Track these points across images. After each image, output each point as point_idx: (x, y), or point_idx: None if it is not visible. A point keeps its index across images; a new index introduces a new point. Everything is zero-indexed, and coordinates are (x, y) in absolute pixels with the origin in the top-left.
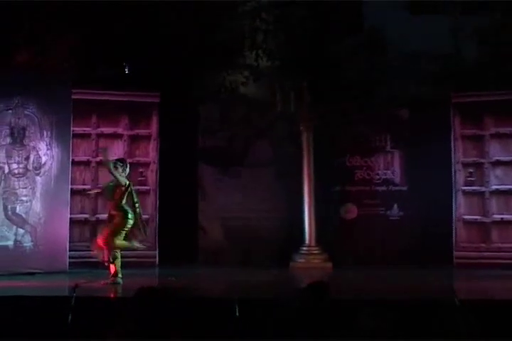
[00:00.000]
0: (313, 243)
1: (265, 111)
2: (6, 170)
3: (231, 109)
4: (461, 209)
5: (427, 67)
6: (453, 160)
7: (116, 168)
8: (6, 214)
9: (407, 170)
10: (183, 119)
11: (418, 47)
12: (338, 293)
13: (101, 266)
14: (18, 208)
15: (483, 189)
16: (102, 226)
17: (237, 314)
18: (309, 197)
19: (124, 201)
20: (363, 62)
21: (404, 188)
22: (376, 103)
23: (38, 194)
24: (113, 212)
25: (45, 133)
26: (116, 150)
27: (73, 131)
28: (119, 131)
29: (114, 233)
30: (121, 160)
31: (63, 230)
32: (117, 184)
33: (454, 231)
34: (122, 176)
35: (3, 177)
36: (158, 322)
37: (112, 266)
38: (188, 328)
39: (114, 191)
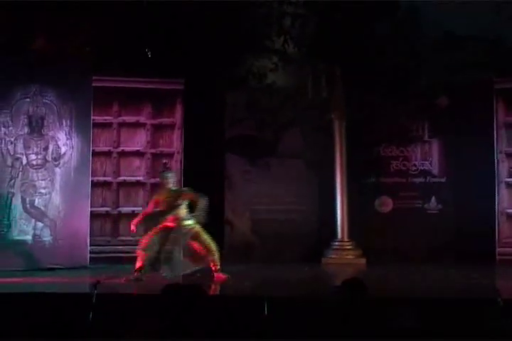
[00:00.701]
0: (345, 238)
1: (295, 98)
2: (24, 162)
3: (259, 97)
4: (505, 202)
5: (467, 52)
6: (496, 150)
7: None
8: (24, 207)
9: (446, 161)
10: (209, 107)
11: (458, 31)
12: (373, 292)
13: (123, 261)
14: (36, 201)
15: None
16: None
17: (266, 313)
18: (341, 189)
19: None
20: (400, 47)
21: (443, 180)
22: (414, 89)
23: (57, 186)
24: (184, 224)
25: (64, 122)
26: (139, 140)
27: (93, 120)
28: (142, 119)
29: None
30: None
31: (83, 224)
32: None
33: (496, 226)
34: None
35: (21, 169)
36: (183, 321)
37: (139, 262)
38: (214, 327)
39: (176, 200)
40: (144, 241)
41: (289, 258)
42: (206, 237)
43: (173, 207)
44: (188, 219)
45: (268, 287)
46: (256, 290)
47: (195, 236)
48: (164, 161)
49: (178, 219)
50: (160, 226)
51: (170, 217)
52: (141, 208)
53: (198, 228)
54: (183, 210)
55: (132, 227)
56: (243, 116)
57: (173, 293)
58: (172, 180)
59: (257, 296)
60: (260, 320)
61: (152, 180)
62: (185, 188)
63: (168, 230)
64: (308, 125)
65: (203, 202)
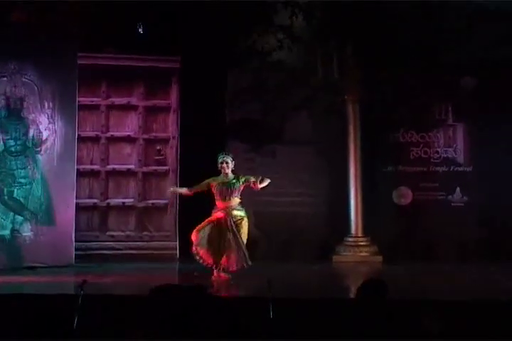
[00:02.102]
0: (360, 233)
1: (304, 79)
2: (1, 148)
3: (264, 77)
4: None
5: (497, 27)
6: None
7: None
8: (1, 199)
9: (472, 148)
10: (208, 88)
11: (487, 3)
12: (393, 293)
13: (112, 259)
14: (15, 192)
15: None
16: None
17: (272, 315)
18: (356, 179)
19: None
20: (422, 21)
21: (469, 169)
22: (437, 68)
23: (38, 175)
24: (235, 214)
25: (46, 104)
26: (130, 124)
27: (79, 101)
28: (133, 101)
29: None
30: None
31: (68, 217)
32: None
33: None
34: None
35: None
36: (182, 323)
37: (208, 259)
38: (216, 331)
39: (233, 187)
40: (195, 235)
41: (296, 255)
42: (244, 232)
43: (227, 194)
44: (239, 209)
45: (274, 287)
46: (260, 291)
47: (236, 227)
48: (158, 148)
49: (229, 209)
50: (211, 218)
51: (221, 205)
52: (132, 200)
53: (245, 221)
54: (236, 199)
55: (173, 189)
56: (246, 98)
57: (166, 294)
58: (231, 165)
59: (262, 297)
60: (265, 323)
61: (145, 169)
62: (242, 175)
63: (218, 221)
64: (319, 108)
65: (267, 181)
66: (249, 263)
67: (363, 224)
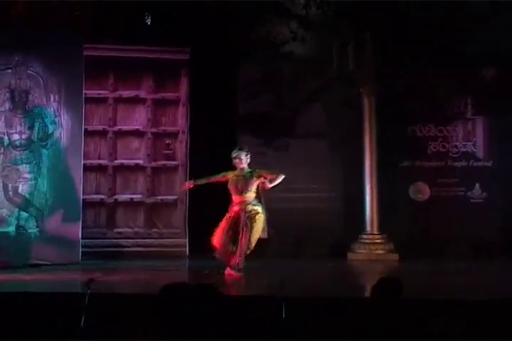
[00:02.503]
0: (375, 230)
1: (318, 70)
2: (6, 142)
3: (277, 69)
4: None
5: None
6: None
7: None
8: (6, 195)
9: (492, 142)
10: (219, 80)
11: None
12: (409, 292)
13: (120, 256)
14: (20, 187)
15: None
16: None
17: (284, 315)
18: (371, 174)
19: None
20: (441, 10)
21: (489, 164)
22: (456, 59)
23: (44, 170)
24: (250, 208)
25: (52, 97)
26: (138, 117)
27: (86, 94)
28: (142, 94)
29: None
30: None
31: (75, 214)
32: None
33: None
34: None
35: (2, 151)
36: (191, 324)
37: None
38: (226, 332)
39: (248, 181)
40: (218, 235)
41: (309, 253)
42: (257, 226)
43: (242, 188)
44: (255, 204)
45: (286, 286)
46: (272, 289)
47: (250, 222)
48: (167, 142)
49: (244, 203)
50: (229, 215)
51: (236, 199)
52: (140, 196)
53: (259, 216)
54: (251, 193)
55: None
56: (258, 90)
57: (175, 292)
58: (245, 160)
59: (274, 297)
60: (277, 323)
61: (153, 164)
62: (257, 169)
63: (234, 216)
64: (333, 100)
65: (280, 177)
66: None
67: (378, 220)
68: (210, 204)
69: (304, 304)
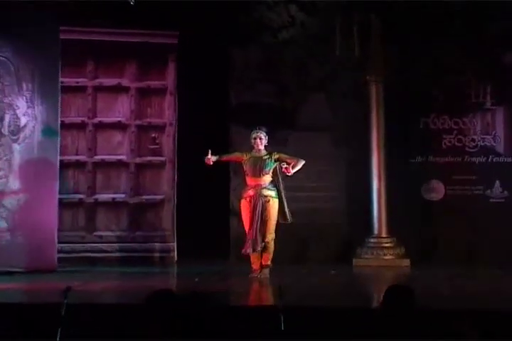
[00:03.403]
0: (384, 233)
1: (321, 56)
2: None
3: (275, 55)
4: None
5: None
6: None
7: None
8: None
9: None
10: (210, 67)
11: None
12: (422, 302)
13: (100, 262)
14: None
15: None
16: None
17: (283, 328)
18: (379, 171)
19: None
20: None
21: (510, 159)
22: (475, 44)
23: (15, 167)
24: (265, 193)
25: (24, 85)
26: (121, 108)
27: (62, 83)
28: (124, 82)
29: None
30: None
31: (50, 215)
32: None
33: None
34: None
35: None
36: (172, 336)
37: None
38: None
39: (266, 163)
40: (247, 222)
41: (311, 258)
42: (273, 215)
43: (259, 170)
44: (269, 188)
45: (285, 295)
46: (270, 298)
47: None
48: (153, 135)
49: (260, 187)
50: (245, 200)
51: (251, 182)
52: (123, 195)
53: (273, 201)
54: (268, 177)
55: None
56: (254, 78)
57: (163, 302)
58: (264, 141)
59: (272, 306)
60: (276, 336)
61: (138, 160)
62: (276, 152)
63: (251, 201)
64: (337, 90)
65: (301, 162)
66: (250, 251)
67: (387, 222)
68: (200, 204)
69: (304, 315)
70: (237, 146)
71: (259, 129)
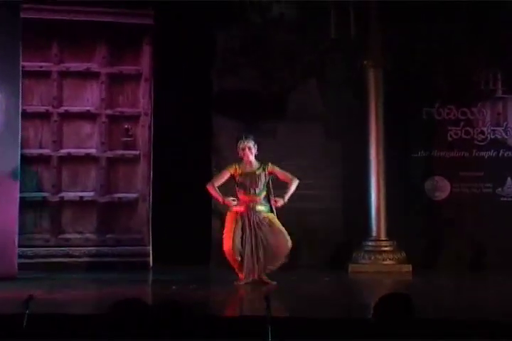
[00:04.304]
0: (383, 235)
1: (313, 39)
2: None
3: (262, 37)
4: None
5: None
6: None
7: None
8: None
9: None
10: (190, 51)
11: None
12: (423, 311)
13: (67, 268)
14: None
15: None
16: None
17: (270, 339)
18: (378, 167)
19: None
20: None
21: None
22: (485, 26)
23: None
24: (259, 210)
25: None
26: (90, 96)
27: (24, 67)
28: (94, 67)
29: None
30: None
31: (10, 216)
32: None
33: None
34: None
35: None
36: None
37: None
38: None
39: (260, 178)
40: (227, 239)
41: (302, 263)
42: (282, 230)
43: (252, 186)
44: (263, 204)
45: (273, 305)
46: (256, 308)
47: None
48: (126, 126)
49: (252, 203)
50: (235, 214)
51: (244, 199)
52: (92, 193)
53: (272, 217)
54: (263, 192)
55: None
56: (239, 63)
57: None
58: (254, 150)
59: (258, 317)
60: None
61: (109, 154)
62: (269, 163)
63: (241, 217)
64: (332, 76)
65: (294, 184)
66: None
67: (386, 224)
68: (178, 203)
69: (294, 327)
70: (220, 137)
71: (245, 138)
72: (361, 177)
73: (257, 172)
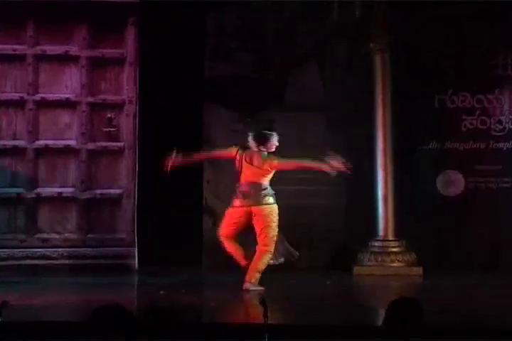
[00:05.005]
0: (391, 235)
1: (314, 20)
2: None
3: (259, 19)
4: None
5: None
6: None
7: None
8: None
9: None
10: (179, 33)
11: None
12: (435, 317)
13: (44, 271)
14: None
15: None
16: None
17: None
18: (385, 160)
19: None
20: None
21: None
22: (498, 3)
23: None
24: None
25: None
26: (68, 82)
27: None
28: (73, 50)
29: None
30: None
31: None
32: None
33: None
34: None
35: None
36: None
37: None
38: None
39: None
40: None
41: (303, 265)
42: (270, 225)
43: (255, 170)
44: (267, 194)
45: (271, 310)
46: (252, 314)
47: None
48: (109, 116)
49: (254, 189)
50: (236, 207)
51: (245, 185)
52: (72, 189)
53: (271, 209)
54: (266, 179)
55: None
56: (233, 46)
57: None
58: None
59: (255, 324)
60: None
61: (90, 146)
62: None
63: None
64: (334, 61)
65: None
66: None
67: (395, 222)
68: (166, 200)
69: (293, 335)
70: (211, 127)
71: (269, 130)
72: (366, 171)
73: (263, 157)
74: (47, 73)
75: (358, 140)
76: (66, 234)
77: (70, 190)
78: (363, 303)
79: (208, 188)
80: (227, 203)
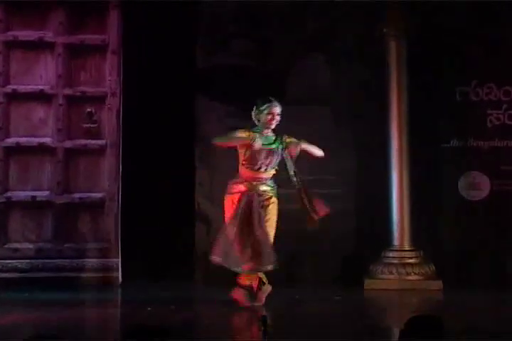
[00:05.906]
0: (407, 244)
1: (319, 2)
2: None
3: (259, 2)
4: None
5: None
6: None
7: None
8: None
9: None
10: (168, 18)
11: None
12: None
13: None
14: None
15: None
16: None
17: None
18: (400, 159)
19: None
20: None
21: None
22: None
23: None
24: (263, 189)
25: None
26: (43, 72)
27: None
28: (48, 36)
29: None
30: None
31: None
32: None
33: None
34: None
35: None
36: None
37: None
38: None
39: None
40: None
41: (307, 278)
42: (272, 218)
43: (263, 162)
44: (269, 185)
45: (272, 329)
46: (252, 333)
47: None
48: (89, 110)
49: (256, 181)
50: (235, 197)
51: (248, 175)
52: (47, 192)
53: (273, 201)
54: (271, 171)
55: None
56: (229, 33)
57: None
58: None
59: None
60: None
61: (68, 144)
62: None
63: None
64: (342, 49)
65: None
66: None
67: (411, 230)
68: (154, 205)
69: None
70: (204, 122)
71: (274, 100)
72: (380, 172)
73: (272, 145)
74: (19, 62)
75: (369, 136)
76: (40, 244)
77: (45, 193)
78: (374, 322)
79: (200, 191)
80: (221, 208)
